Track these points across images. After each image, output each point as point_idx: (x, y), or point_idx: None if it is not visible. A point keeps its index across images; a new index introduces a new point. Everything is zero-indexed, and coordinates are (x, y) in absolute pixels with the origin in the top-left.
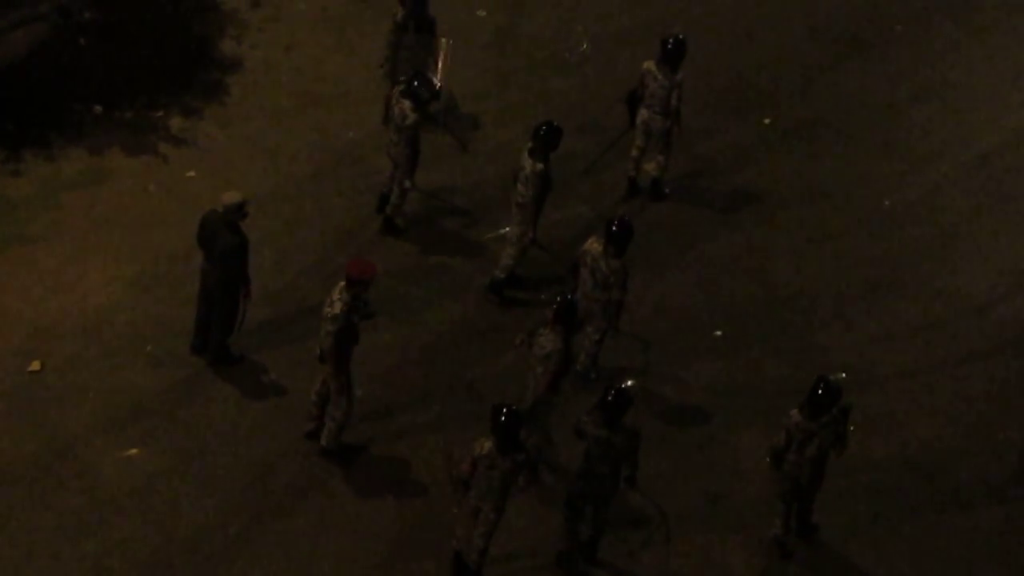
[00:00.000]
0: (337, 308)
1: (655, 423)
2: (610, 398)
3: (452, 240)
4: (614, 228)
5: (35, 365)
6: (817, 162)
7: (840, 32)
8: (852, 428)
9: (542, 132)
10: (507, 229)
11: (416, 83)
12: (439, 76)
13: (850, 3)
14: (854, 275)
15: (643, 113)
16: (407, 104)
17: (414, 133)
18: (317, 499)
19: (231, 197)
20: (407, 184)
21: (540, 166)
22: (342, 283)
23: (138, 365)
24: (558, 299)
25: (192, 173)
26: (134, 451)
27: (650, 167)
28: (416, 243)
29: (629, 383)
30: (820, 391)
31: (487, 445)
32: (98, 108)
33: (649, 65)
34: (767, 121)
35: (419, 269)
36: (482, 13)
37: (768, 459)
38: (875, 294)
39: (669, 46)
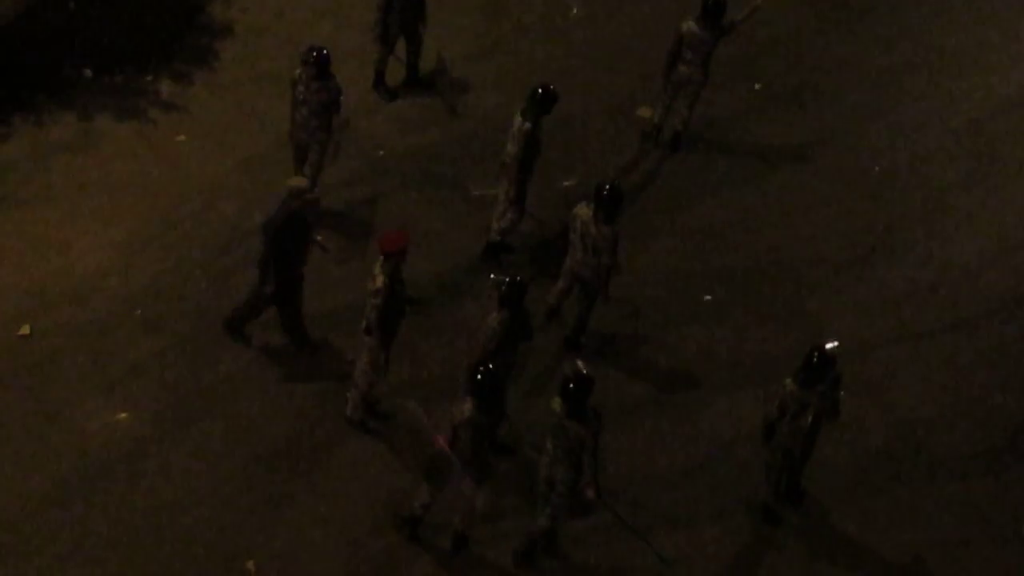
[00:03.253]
0: (379, 282)
1: (644, 388)
2: (571, 384)
3: (441, 206)
4: (604, 193)
5: (24, 329)
6: (807, 128)
7: None
8: (843, 395)
9: (537, 94)
10: (494, 190)
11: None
12: None
13: None
14: (844, 241)
15: (683, 70)
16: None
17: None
18: (308, 466)
19: (296, 182)
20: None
21: (528, 125)
22: (380, 258)
23: (127, 329)
24: (506, 280)
25: (182, 137)
26: (123, 415)
27: (646, 113)
28: (405, 209)
29: (579, 363)
30: (815, 360)
31: (467, 408)
32: (88, 72)
33: (688, 25)
34: (757, 87)
35: (411, 236)
36: None
37: (761, 429)
38: (865, 261)
39: (709, 4)
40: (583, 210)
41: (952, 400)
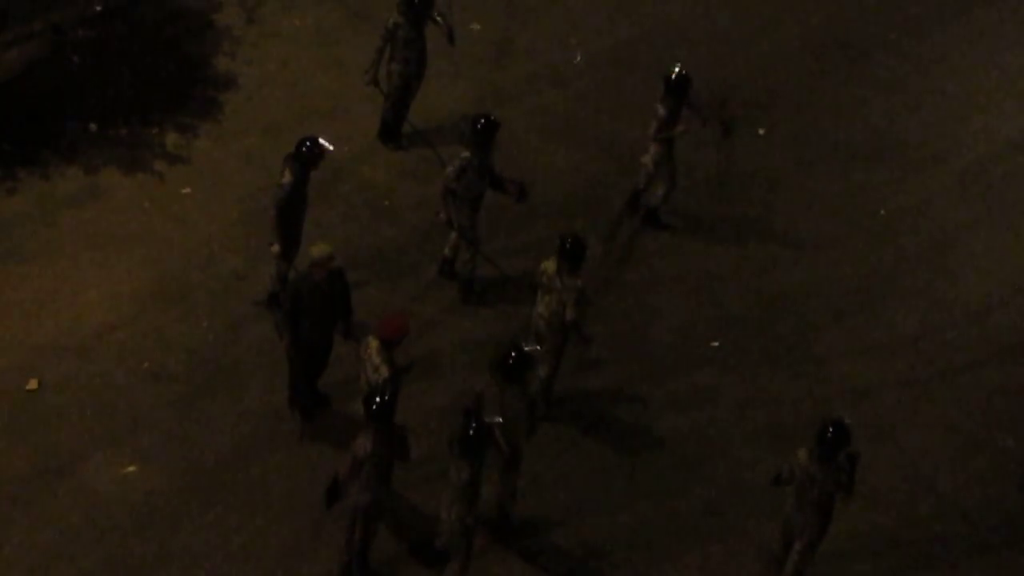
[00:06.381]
0: (385, 372)
1: (655, 434)
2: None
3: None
4: (567, 246)
5: (32, 384)
6: (812, 172)
7: (833, 42)
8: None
9: (479, 126)
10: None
11: (307, 146)
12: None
13: (842, 13)
14: (850, 284)
15: (653, 147)
16: (290, 166)
17: (284, 195)
18: (315, 514)
19: (317, 251)
20: (273, 249)
21: (466, 154)
22: (375, 343)
23: (135, 382)
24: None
25: (187, 190)
26: (132, 468)
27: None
28: (412, 258)
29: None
30: (828, 435)
31: (367, 445)
32: (93, 126)
33: (661, 94)
34: (762, 132)
35: (415, 284)
36: (476, 27)
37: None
38: (871, 303)
39: (671, 81)
40: (549, 264)
41: (960, 442)
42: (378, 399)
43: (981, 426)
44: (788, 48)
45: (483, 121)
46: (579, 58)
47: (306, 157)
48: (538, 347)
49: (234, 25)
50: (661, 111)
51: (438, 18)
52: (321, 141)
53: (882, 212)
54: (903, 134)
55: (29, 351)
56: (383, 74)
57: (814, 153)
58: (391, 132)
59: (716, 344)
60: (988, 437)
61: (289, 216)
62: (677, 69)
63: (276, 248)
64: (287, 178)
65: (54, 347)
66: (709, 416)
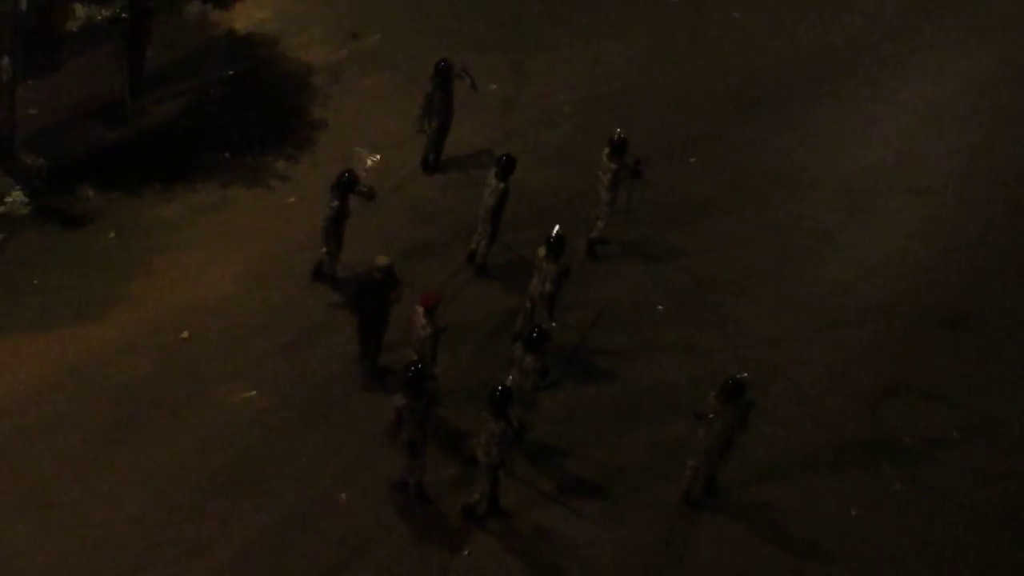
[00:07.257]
0: (429, 330)
1: (614, 373)
2: (497, 393)
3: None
4: (552, 240)
5: (185, 334)
6: (730, 188)
7: (744, 97)
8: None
9: (502, 161)
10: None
11: (346, 176)
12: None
13: (754, 75)
14: (757, 267)
15: (597, 186)
16: (335, 193)
17: (335, 215)
18: (382, 428)
19: (381, 260)
20: (323, 252)
21: (502, 185)
22: (420, 310)
23: (253, 333)
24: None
25: (292, 199)
26: (252, 392)
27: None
28: (446, 246)
29: (508, 380)
30: (729, 384)
31: (401, 399)
32: (227, 154)
33: (605, 152)
34: (693, 160)
35: (450, 268)
36: (493, 87)
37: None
38: (771, 280)
39: (614, 141)
40: (542, 250)
41: (833, 376)
42: (411, 370)
43: (848, 366)
44: (713, 101)
45: (506, 158)
46: (566, 108)
47: (346, 184)
48: (554, 324)
49: (324, 84)
50: (613, 166)
51: (462, 73)
52: (355, 171)
53: (779, 217)
54: (794, 162)
55: (181, 311)
56: (426, 123)
57: (732, 176)
58: (432, 161)
59: (661, 308)
60: (853, 374)
61: (339, 228)
62: (619, 132)
63: (325, 252)
64: (335, 203)
65: (198, 308)
66: (654, 360)
